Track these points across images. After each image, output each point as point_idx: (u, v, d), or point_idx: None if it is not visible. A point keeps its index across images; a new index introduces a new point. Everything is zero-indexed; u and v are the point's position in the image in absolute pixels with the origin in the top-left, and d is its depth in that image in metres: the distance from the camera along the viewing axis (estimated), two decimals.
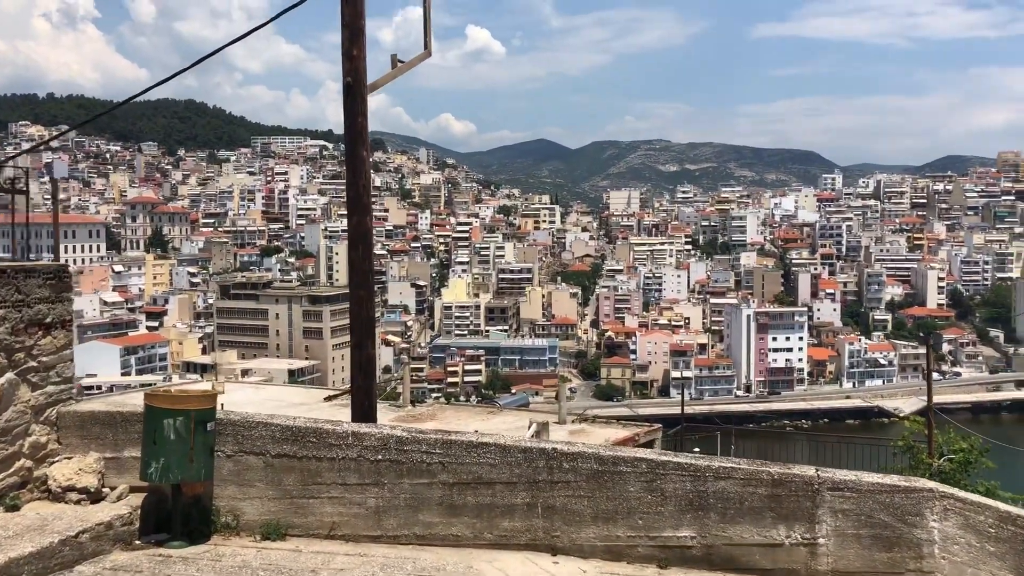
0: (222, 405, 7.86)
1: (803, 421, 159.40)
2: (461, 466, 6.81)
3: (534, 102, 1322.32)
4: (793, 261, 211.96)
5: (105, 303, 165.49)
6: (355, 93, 9.16)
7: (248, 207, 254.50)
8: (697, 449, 22.42)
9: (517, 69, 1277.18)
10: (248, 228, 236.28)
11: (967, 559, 6.06)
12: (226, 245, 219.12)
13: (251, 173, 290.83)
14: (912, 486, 6.19)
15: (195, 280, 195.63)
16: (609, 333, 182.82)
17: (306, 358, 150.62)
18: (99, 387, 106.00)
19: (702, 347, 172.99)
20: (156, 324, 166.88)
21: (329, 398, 18.20)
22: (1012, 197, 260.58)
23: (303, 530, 7.09)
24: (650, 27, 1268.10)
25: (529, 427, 11.55)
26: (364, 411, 9.35)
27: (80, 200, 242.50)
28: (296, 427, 7.20)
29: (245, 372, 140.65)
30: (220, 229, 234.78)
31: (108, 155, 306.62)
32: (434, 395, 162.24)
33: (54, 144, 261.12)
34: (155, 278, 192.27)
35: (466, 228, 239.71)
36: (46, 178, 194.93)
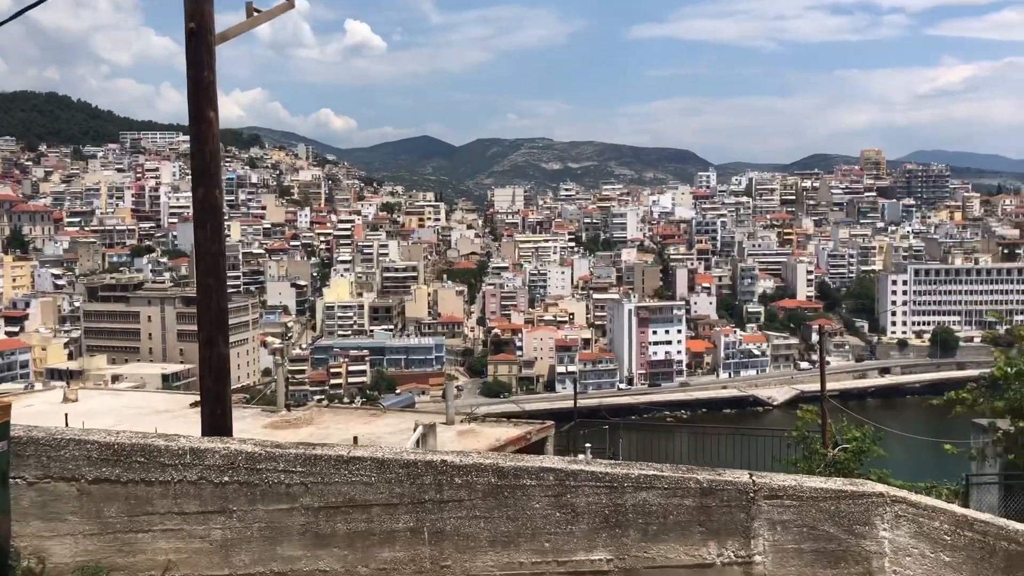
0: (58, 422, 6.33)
1: (683, 412, 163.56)
2: (329, 487, 5.58)
3: (417, 98, 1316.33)
4: (671, 257, 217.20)
5: None
6: (200, 41, 7.86)
7: (117, 205, 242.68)
8: (589, 445, 21.74)
9: (398, 65, 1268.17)
10: (117, 227, 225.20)
11: (920, 572, 5.27)
12: (93, 245, 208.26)
13: (120, 170, 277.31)
14: (859, 491, 5.33)
15: (60, 282, 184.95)
16: (495, 330, 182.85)
17: (181, 362, 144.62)
18: None
19: (586, 342, 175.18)
20: (16, 329, 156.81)
21: (196, 403, 16.73)
22: (874, 194, 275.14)
23: (130, 572, 5.63)
24: (531, 25, 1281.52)
25: (415, 429, 10.46)
26: (216, 422, 8.08)
27: None
28: (119, 444, 5.71)
29: (115, 378, 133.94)
30: (87, 228, 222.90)
31: None
32: (316, 397, 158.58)
33: None
34: (14, 280, 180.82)
35: (348, 226, 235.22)
36: None
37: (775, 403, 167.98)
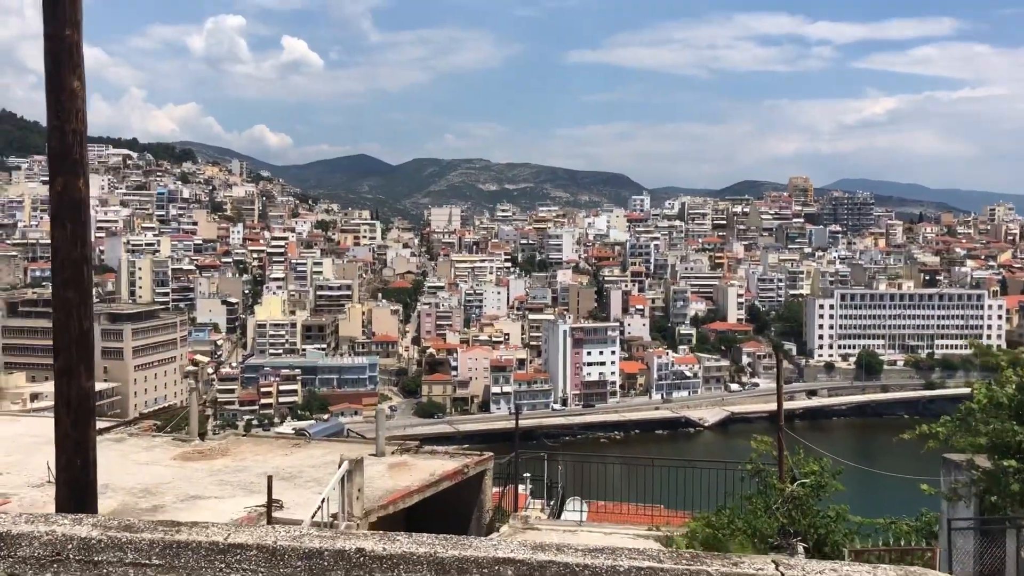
0: None
1: (616, 433, 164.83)
2: None
3: (353, 117, 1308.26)
4: (605, 278, 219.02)
5: None
6: None
7: (41, 218, 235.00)
8: (528, 474, 21.50)
9: (336, 83, 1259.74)
10: (41, 241, 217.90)
11: None
12: (15, 259, 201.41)
13: (45, 182, 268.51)
14: None
15: None
16: (431, 350, 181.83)
17: (105, 380, 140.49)
18: None
19: (521, 362, 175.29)
20: None
21: (100, 431, 15.95)
22: (802, 220, 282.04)
23: None
24: (468, 48, 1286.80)
25: (339, 465, 10.27)
26: (76, 480, 6.44)
27: None
28: None
29: (35, 396, 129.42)
30: (7, 242, 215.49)
31: None
32: (246, 418, 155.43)
33: None
34: None
35: (282, 243, 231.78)
36: None
37: (706, 424, 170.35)
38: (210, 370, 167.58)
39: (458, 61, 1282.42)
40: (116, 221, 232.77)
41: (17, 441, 15.22)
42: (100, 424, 16.63)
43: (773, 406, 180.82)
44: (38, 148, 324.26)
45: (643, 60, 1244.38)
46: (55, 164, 6.54)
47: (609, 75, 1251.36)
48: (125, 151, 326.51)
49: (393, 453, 13.78)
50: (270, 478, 9.19)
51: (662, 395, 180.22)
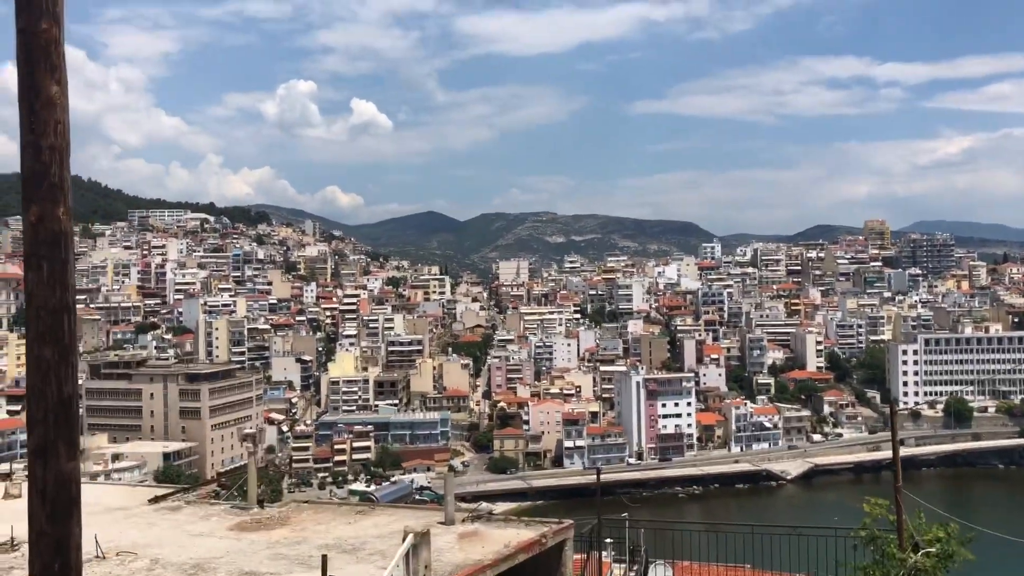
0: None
1: (695, 487, 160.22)
2: None
3: (422, 175, 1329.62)
4: (678, 328, 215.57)
5: None
6: None
7: (123, 282, 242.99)
8: (610, 540, 19.94)
9: (404, 143, 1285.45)
10: (122, 304, 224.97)
11: None
12: (98, 322, 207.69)
13: (127, 247, 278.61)
14: None
15: None
16: (502, 404, 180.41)
17: (183, 440, 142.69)
18: None
19: (593, 415, 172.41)
20: (18, 408, 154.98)
21: (156, 499, 15.16)
22: (879, 263, 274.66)
23: None
24: (532, 103, 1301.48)
25: (404, 539, 9.12)
26: None
27: None
28: None
29: (116, 456, 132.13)
30: (92, 306, 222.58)
31: None
32: (320, 475, 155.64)
33: None
34: (18, 359, 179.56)
35: (354, 300, 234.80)
36: None
37: (789, 477, 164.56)
38: (284, 428, 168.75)
39: (522, 117, 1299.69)
40: (194, 283, 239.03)
41: None
42: (157, 492, 15.87)
43: (858, 457, 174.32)
44: (120, 215, 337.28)
45: (708, 108, 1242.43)
46: (29, 189, 5.25)
47: (674, 124, 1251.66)
48: (203, 215, 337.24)
49: (464, 521, 12.58)
50: (324, 558, 8.12)
51: (741, 447, 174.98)
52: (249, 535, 12.28)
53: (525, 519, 12.79)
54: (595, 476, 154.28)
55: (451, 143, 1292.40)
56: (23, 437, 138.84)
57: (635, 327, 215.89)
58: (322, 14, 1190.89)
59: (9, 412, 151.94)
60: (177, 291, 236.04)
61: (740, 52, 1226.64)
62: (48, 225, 5.20)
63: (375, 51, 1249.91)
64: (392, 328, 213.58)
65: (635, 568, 20.02)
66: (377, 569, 10.52)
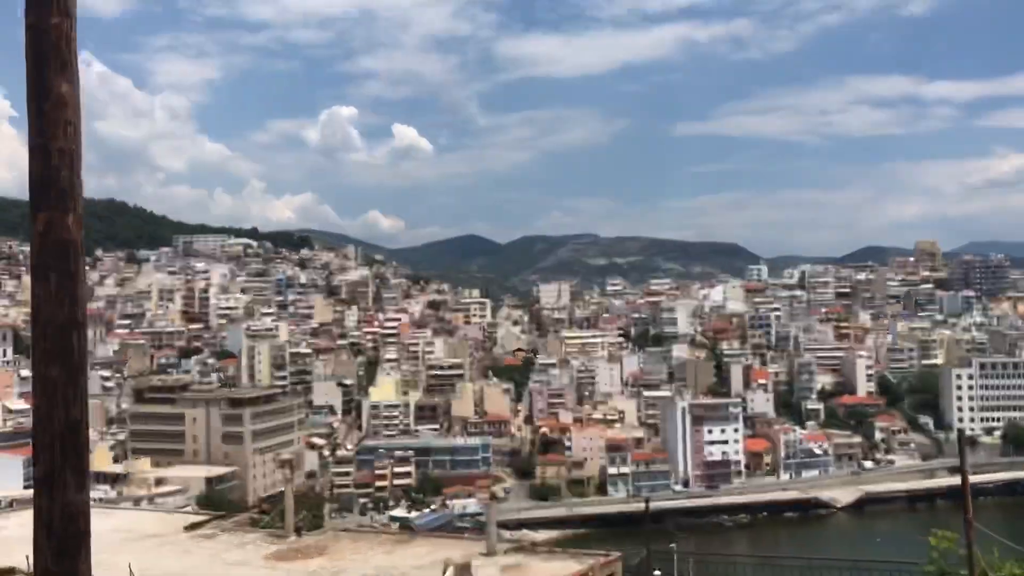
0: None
1: (743, 516, 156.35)
2: None
3: (462, 198, 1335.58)
4: (725, 352, 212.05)
5: (9, 411, 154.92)
6: None
7: (167, 307, 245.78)
8: (659, 573, 18.34)
9: (445, 166, 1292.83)
10: (166, 329, 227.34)
11: None
12: (142, 347, 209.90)
13: (172, 272, 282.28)
14: None
15: (108, 384, 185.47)
16: (543, 429, 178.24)
17: (225, 464, 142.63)
18: None
19: (638, 441, 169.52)
20: None
21: (192, 526, 13.96)
22: (931, 286, 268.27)
23: None
24: (573, 125, 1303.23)
25: (443, 572, 7.52)
26: None
27: None
28: None
29: (159, 481, 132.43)
30: (136, 331, 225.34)
31: (21, 256, 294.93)
32: (361, 500, 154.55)
33: None
34: None
35: (395, 324, 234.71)
36: None
37: (839, 505, 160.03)
38: (325, 453, 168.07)
39: (564, 139, 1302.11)
40: (237, 308, 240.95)
41: (106, 538, 13.47)
42: (193, 519, 14.87)
43: (912, 485, 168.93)
44: (165, 240, 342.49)
45: (752, 128, 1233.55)
46: (37, 195, 4.90)
47: (718, 145, 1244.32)
48: (246, 240, 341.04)
49: (507, 552, 11.09)
50: None
51: (791, 474, 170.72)
52: (285, 564, 11.25)
53: (571, 551, 11.44)
54: (642, 504, 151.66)
55: (492, 166, 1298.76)
56: None
57: (680, 351, 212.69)
58: (364, 40, 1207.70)
59: None
60: (220, 316, 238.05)
61: (784, 71, 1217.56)
62: (56, 234, 4.86)
63: (416, 75, 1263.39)
64: (432, 352, 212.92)
65: None
66: None
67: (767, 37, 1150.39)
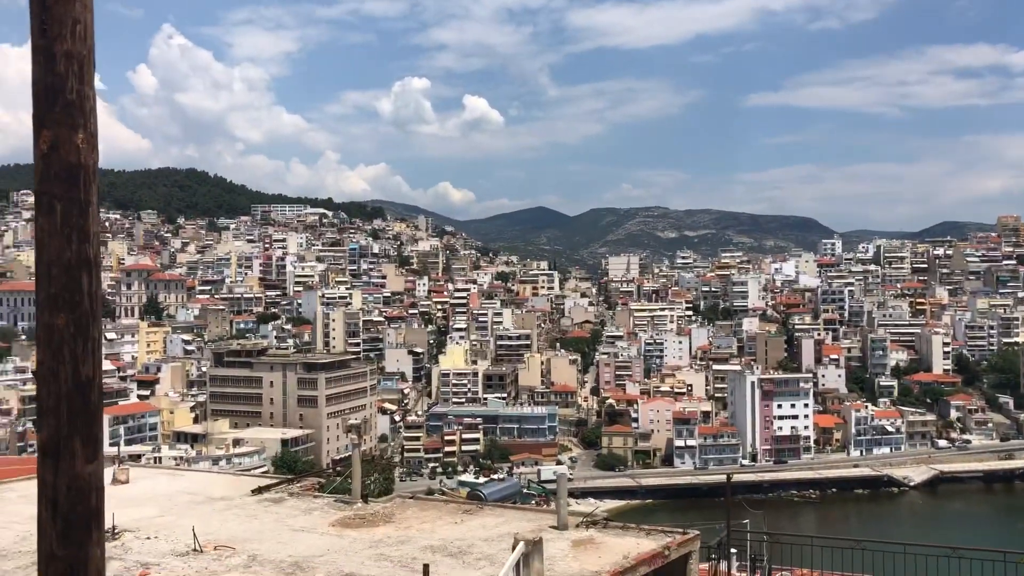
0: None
1: (812, 491, 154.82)
2: None
3: (532, 170, 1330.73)
4: (796, 326, 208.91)
5: None
6: None
7: (246, 274, 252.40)
8: (735, 551, 18.20)
9: (515, 138, 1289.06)
10: (245, 295, 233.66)
11: None
12: (222, 312, 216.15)
13: (250, 240, 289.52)
14: None
15: (189, 348, 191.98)
16: (610, 401, 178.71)
17: (300, 427, 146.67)
18: None
19: (706, 415, 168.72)
20: (147, 393, 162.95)
21: (259, 490, 14.80)
22: (1013, 262, 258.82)
23: None
24: (645, 97, 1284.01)
25: (513, 548, 8.31)
26: None
27: None
28: None
29: (237, 442, 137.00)
30: (216, 296, 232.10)
31: (107, 223, 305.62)
32: (431, 465, 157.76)
33: None
34: (148, 346, 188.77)
35: (464, 294, 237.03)
36: None
37: (912, 484, 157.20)
38: (396, 418, 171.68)
39: (634, 111, 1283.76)
40: (312, 276, 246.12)
41: (174, 500, 14.36)
42: (262, 481, 15.64)
43: (989, 466, 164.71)
44: (244, 209, 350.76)
45: (827, 100, 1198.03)
46: (40, 108, 4.13)
47: (792, 117, 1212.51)
48: (321, 210, 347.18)
49: (578, 527, 11.69)
50: (426, 568, 7.42)
51: (861, 451, 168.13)
52: (351, 532, 11.77)
53: (645, 527, 11.74)
54: (709, 477, 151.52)
55: (562, 138, 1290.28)
56: (152, 420, 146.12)
57: (750, 325, 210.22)
58: (436, 12, 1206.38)
59: (139, 396, 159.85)
60: (297, 283, 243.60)
61: (863, 42, 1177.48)
62: (63, 155, 4.04)
63: (488, 47, 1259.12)
64: (501, 322, 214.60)
65: None
66: None
67: (845, 6, 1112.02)
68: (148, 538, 11.79)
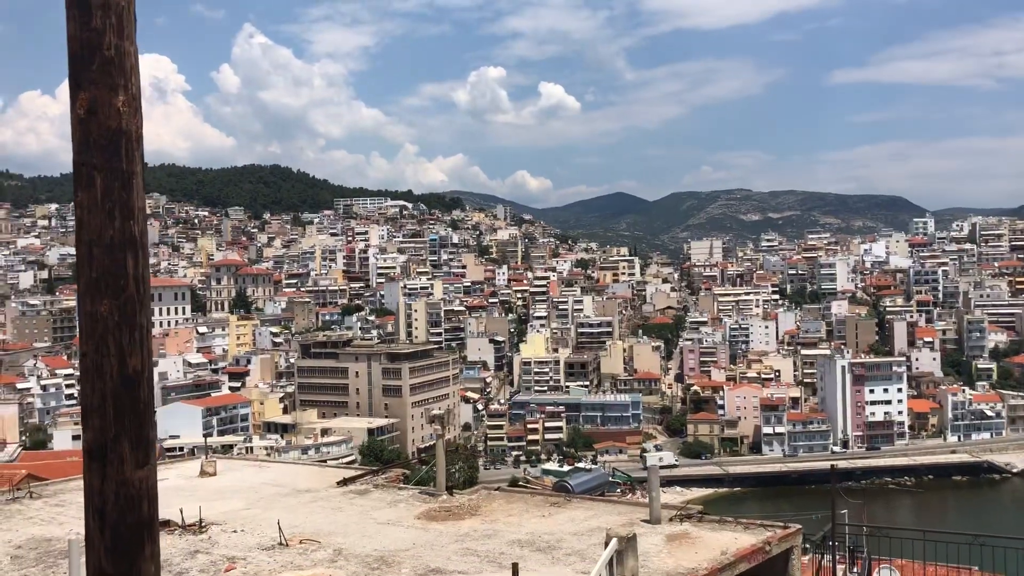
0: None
1: (907, 479, 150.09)
2: None
3: (610, 156, 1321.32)
4: (887, 309, 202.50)
5: (189, 364, 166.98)
6: None
7: (330, 267, 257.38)
8: (835, 542, 17.19)
9: (592, 124, 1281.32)
10: (329, 288, 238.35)
11: None
12: (308, 305, 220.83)
13: (333, 234, 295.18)
14: None
15: (277, 340, 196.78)
16: (695, 387, 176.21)
17: (385, 416, 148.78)
18: (181, 449, 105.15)
19: (794, 401, 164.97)
20: (238, 385, 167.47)
21: (344, 481, 14.68)
22: None
23: None
24: (725, 77, 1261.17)
25: (606, 544, 7.83)
26: None
27: (169, 264, 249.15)
28: None
29: (325, 431, 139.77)
30: (302, 289, 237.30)
31: (196, 220, 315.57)
32: (514, 453, 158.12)
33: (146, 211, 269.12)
34: (238, 339, 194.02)
35: (544, 282, 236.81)
36: None
37: (1015, 471, 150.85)
38: (479, 407, 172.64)
39: (714, 92, 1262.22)
40: (394, 267, 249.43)
41: (260, 492, 14.30)
42: (347, 473, 15.51)
43: None
44: (326, 204, 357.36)
45: (916, 74, 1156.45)
46: (76, 68, 3.59)
47: (878, 93, 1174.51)
48: (401, 203, 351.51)
49: (671, 520, 11.15)
50: (515, 567, 7.01)
51: (959, 437, 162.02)
52: (437, 525, 11.52)
53: (743, 520, 11.09)
54: (799, 465, 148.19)
55: (640, 122, 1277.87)
56: (243, 411, 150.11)
57: (839, 308, 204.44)
58: (511, 0, 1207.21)
59: (230, 388, 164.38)
60: (379, 275, 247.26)
61: (954, 12, 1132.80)
62: (102, 120, 3.53)
63: (562, 33, 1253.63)
64: (581, 310, 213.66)
65: (855, 572, 17.94)
66: (575, 574, 9.37)
67: None
68: (234, 531, 11.76)
